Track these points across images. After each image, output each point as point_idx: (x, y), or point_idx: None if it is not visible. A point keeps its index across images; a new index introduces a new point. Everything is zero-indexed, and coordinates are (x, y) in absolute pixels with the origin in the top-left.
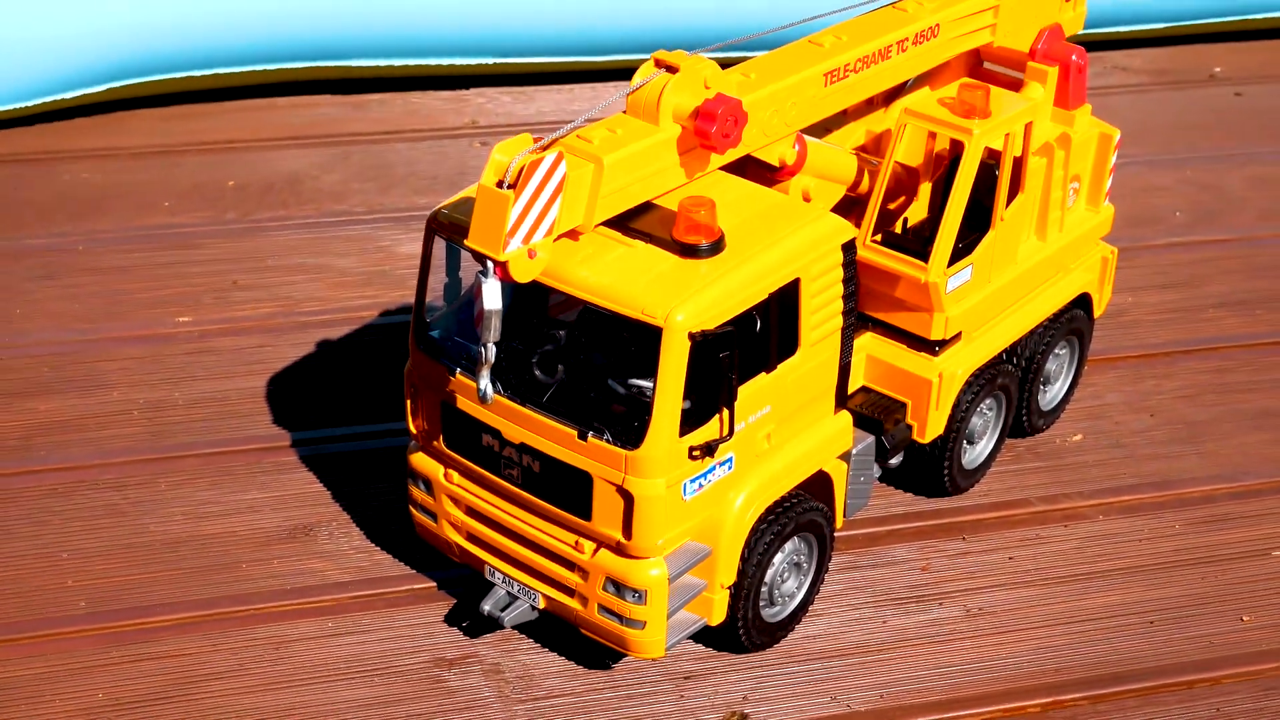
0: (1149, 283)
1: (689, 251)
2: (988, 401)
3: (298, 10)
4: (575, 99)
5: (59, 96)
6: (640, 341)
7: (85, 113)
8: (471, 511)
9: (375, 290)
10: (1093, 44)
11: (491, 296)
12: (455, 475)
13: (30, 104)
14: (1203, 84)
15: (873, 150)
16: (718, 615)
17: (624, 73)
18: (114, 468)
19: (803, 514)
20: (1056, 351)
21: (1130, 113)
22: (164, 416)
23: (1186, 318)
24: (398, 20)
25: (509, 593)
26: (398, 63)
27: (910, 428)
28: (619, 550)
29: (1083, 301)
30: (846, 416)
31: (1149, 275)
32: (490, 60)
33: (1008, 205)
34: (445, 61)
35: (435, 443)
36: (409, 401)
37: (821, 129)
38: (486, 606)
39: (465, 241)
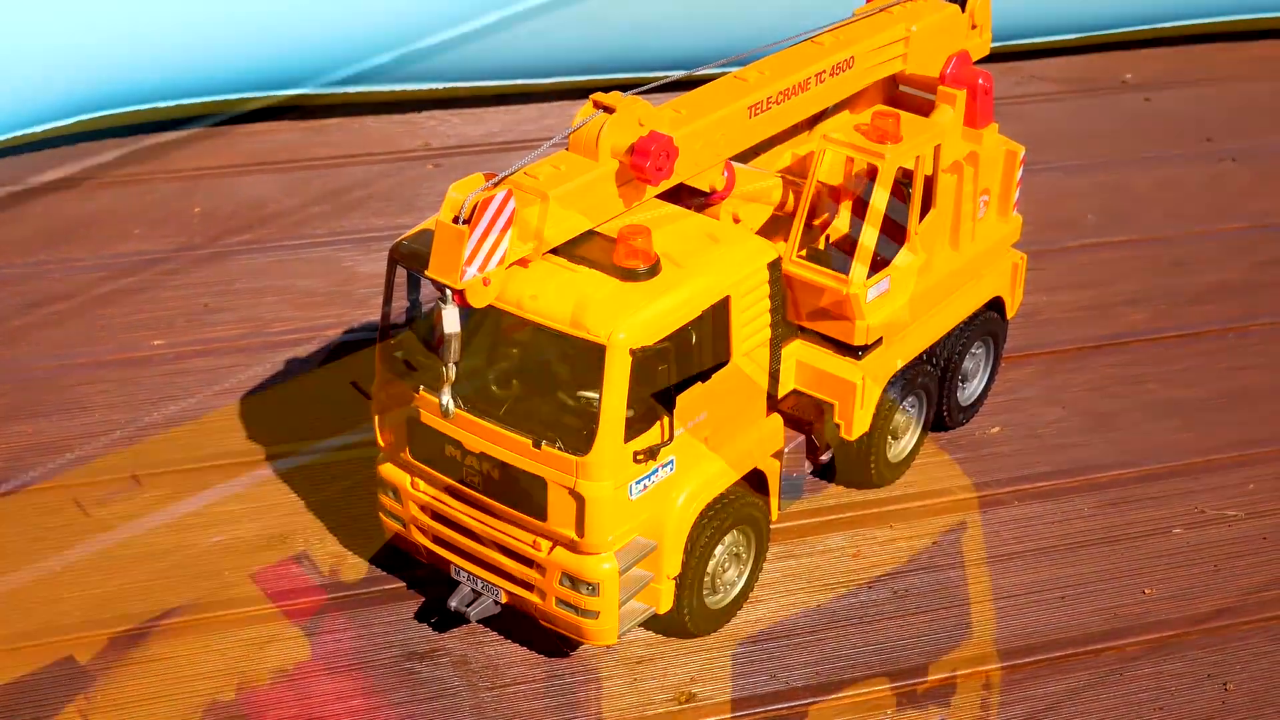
0: (1062, 283)
1: (628, 275)
2: (909, 400)
3: (256, 42)
4: (522, 119)
5: (30, 130)
6: (586, 358)
7: (55, 144)
8: (437, 516)
9: (339, 309)
10: (1010, 55)
11: (451, 321)
12: (421, 483)
13: (2, 138)
14: (1114, 91)
15: (798, 171)
16: (665, 604)
17: (565, 93)
18: (99, 485)
19: (740, 509)
20: (973, 351)
21: (1046, 119)
22: (144, 435)
23: (1097, 315)
24: (350, 49)
25: (474, 590)
26: (352, 90)
27: (838, 426)
28: (573, 547)
29: (996, 305)
30: (777, 418)
31: (1062, 276)
32: (440, 85)
33: (921, 220)
34: (398, 87)
35: (402, 454)
36: (377, 416)
37: (751, 152)
38: (453, 603)
39: (426, 272)
